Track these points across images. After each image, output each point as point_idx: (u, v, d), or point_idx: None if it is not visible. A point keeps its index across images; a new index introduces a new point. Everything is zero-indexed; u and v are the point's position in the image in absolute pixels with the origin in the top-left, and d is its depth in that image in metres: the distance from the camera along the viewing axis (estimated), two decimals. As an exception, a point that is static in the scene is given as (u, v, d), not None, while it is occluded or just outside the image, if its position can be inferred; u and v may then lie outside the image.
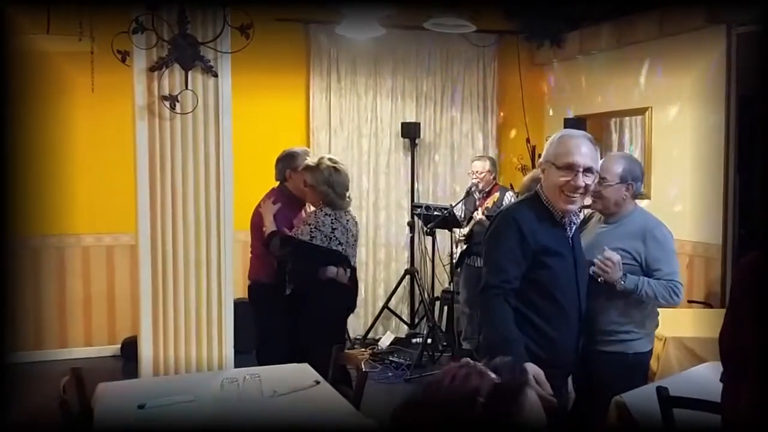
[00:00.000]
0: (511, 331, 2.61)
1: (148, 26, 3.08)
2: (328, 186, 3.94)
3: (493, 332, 2.66)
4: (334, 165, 3.99)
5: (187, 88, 3.16)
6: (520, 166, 7.25)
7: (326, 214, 3.93)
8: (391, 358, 6.26)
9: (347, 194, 4.05)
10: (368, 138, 7.00)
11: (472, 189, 6.19)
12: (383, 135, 7.05)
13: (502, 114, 7.53)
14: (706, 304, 5.60)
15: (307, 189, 4.04)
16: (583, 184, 2.71)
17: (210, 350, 3.27)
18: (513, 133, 7.55)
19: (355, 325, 7.00)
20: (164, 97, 3.13)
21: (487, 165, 6.20)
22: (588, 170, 2.71)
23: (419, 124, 7.00)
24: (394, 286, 6.87)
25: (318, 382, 3.10)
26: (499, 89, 7.48)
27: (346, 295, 4.09)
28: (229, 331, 3.33)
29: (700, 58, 5.77)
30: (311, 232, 3.88)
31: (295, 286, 3.97)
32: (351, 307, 4.29)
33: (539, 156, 7.59)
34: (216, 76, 3.23)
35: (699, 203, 5.80)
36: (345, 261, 3.98)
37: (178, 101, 3.15)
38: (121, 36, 3.12)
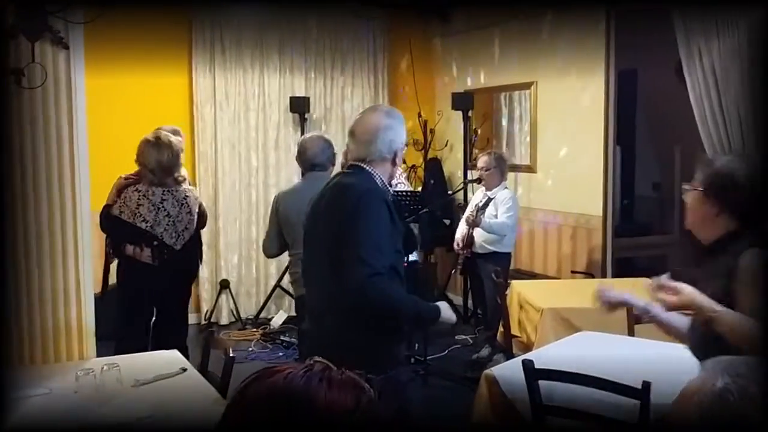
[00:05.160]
0: None
1: (-13, -7, 2.84)
2: (142, 159, 3.93)
3: None
4: (150, 138, 3.94)
5: (33, 61, 2.94)
6: (412, 141, 7.24)
7: (136, 190, 3.92)
8: (282, 338, 6.17)
9: (169, 171, 3.96)
10: (256, 113, 6.82)
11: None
12: (271, 110, 6.88)
13: (393, 88, 7.49)
14: (588, 274, 5.77)
15: None
16: None
17: (69, 340, 3.09)
18: (405, 105, 7.51)
19: (247, 304, 6.88)
20: (8, 71, 2.91)
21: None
22: None
23: (308, 98, 6.87)
24: (286, 265, 6.75)
25: (185, 369, 3.00)
26: (390, 63, 7.42)
27: (148, 275, 3.92)
28: (90, 318, 3.16)
29: (582, 34, 5.87)
30: (120, 206, 3.90)
31: (117, 259, 4.05)
32: (157, 288, 3.98)
33: (431, 131, 7.63)
34: (67, 48, 3.02)
35: (581, 175, 5.93)
36: (149, 239, 3.90)
37: (24, 75, 2.93)
38: (-43, 4, 2.87)
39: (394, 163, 2.64)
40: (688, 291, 2.22)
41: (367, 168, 2.62)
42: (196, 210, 4.14)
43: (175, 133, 4.41)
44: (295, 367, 1.01)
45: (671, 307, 2.32)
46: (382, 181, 2.63)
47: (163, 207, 3.91)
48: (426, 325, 3.00)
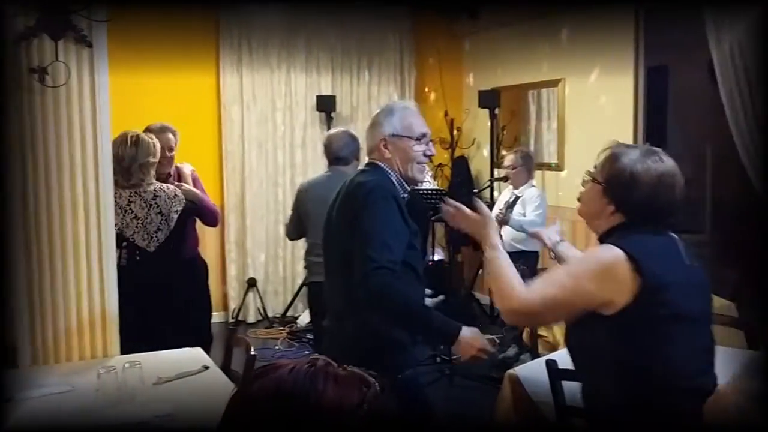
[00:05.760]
0: None
1: (12, -8, 2.86)
2: (114, 161, 3.68)
3: None
4: (120, 137, 3.73)
5: (57, 59, 2.96)
6: (437, 139, 7.20)
7: None
8: (309, 336, 6.16)
9: (137, 171, 3.76)
10: (282, 112, 6.84)
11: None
12: (298, 109, 6.90)
13: (420, 86, 7.46)
14: (617, 274, 5.66)
15: None
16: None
17: (93, 336, 3.11)
18: (432, 103, 7.47)
19: (274, 302, 6.89)
20: (32, 70, 2.93)
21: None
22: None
23: (335, 97, 6.87)
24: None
25: (207, 367, 3.00)
26: (417, 61, 7.39)
27: (121, 276, 3.61)
28: (114, 313, 3.18)
29: (611, 30, 5.79)
30: None
31: None
32: (132, 291, 3.68)
33: (458, 129, 7.57)
34: (90, 46, 3.03)
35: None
36: (119, 241, 3.66)
37: (47, 74, 2.95)
38: (-17, 4, 2.89)
39: (386, 154, 2.57)
40: (475, 217, 2.30)
41: (381, 165, 2.60)
42: (175, 209, 3.87)
43: (163, 130, 4.21)
44: (298, 362, 1.00)
45: (452, 225, 2.38)
46: (398, 177, 2.60)
47: (130, 209, 3.76)
48: (436, 338, 2.86)
